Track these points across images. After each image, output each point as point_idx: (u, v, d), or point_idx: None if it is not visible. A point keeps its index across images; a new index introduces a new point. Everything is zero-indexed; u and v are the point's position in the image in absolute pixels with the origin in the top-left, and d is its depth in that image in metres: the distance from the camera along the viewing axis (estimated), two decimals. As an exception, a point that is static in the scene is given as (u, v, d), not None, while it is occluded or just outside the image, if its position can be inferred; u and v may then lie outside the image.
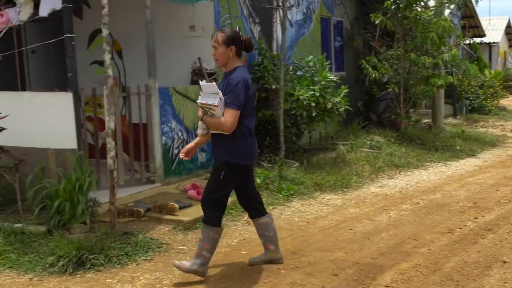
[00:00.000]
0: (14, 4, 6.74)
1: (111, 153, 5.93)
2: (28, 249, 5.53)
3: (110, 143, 5.93)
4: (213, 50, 4.79)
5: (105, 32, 5.90)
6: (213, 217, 4.86)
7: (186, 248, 5.81)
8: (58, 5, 6.29)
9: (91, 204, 6.14)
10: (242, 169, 4.84)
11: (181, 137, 8.21)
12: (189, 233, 6.22)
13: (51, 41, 6.61)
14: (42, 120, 6.66)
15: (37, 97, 6.94)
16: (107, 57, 5.93)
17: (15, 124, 6.59)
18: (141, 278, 5.04)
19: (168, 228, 6.34)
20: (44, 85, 9.55)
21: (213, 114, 4.61)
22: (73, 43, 6.29)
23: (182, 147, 8.21)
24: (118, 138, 7.34)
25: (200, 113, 4.77)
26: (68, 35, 6.22)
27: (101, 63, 9.37)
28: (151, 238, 5.96)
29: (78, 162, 6.10)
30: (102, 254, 5.32)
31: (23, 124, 6.72)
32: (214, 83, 4.66)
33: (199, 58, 8.59)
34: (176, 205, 6.65)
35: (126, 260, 5.40)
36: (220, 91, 4.60)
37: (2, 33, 6.76)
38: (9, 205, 6.64)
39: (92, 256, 5.25)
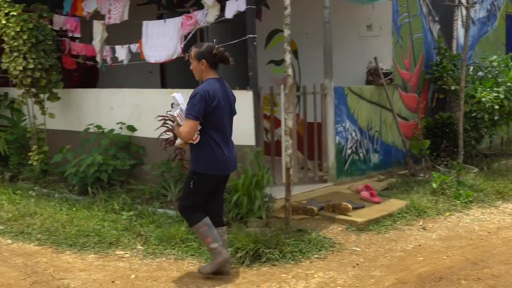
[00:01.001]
0: (201, 7, 7.14)
1: (288, 151, 6.04)
2: (208, 239, 5.81)
3: (288, 141, 6.03)
4: (191, 65, 4.98)
5: (286, 32, 6.01)
6: (194, 218, 4.96)
7: (359, 249, 5.73)
8: (242, 7, 6.55)
9: (267, 200, 6.30)
10: (209, 178, 4.91)
11: (355, 137, 8.14)
12: (362, 235, 6.14)
13: (235, 41, 6.87)
14: (223, 117, 6.96)
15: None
16: (287, 57, 6.03)
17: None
18: (315, 276, 5.07)
19: (341, 228, 6.31)
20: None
21: (179, 124, 4.82)
22: (255, 43, 6.50)
23: (356, 147, 8.17)
24: (293, 136, 7.45)
25: (175, 123, 4.95)
26: (250, 35, 6.45)
27: (277, 62, 9.66)
28: (324, 237, 5.96)
29: (256, 159, 6.30)
30: (277, 249, 5.44)
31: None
32: (174, 94, 4.87)
33: (375, 58, 8.45)
34: (350, 205, 6.60)
35: (300, 256, 5.46)
36: (182, 102, 4.84)
37: (190, 34, 7.19)
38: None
39: (268, 250, 5.38)
